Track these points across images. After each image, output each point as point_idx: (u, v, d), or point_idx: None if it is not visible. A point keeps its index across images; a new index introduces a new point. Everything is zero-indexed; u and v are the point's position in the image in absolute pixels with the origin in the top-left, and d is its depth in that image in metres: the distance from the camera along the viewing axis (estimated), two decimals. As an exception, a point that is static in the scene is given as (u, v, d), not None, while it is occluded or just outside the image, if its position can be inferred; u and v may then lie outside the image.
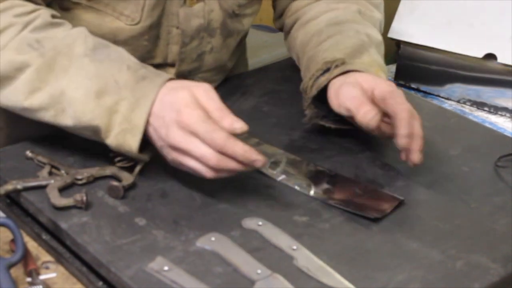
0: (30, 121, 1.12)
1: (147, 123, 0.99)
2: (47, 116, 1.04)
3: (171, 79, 1.02)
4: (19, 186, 1.01)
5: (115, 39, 1.15)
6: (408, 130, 1.04)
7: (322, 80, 1.13)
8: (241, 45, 1.36)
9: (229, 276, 0.89)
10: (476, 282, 0.91)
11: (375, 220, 0.99)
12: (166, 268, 0.89)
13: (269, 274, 0.89)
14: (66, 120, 1.03)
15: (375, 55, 1.19)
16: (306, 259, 0.92)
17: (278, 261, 0.92)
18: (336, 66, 1.13)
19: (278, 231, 0.97)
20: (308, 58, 1.21)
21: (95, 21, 1.14)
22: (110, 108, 1.00)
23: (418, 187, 1.08)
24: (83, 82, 1.01)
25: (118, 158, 1.05)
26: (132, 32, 1.16)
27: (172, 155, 0.99)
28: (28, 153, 1.07)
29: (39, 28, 1.05)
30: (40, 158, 1.07)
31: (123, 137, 1.00)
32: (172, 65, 1.22)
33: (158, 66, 1.17)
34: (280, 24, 1.35)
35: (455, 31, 1.45)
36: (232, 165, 0.96)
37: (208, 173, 0.98)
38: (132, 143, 1.00)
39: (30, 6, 1.07)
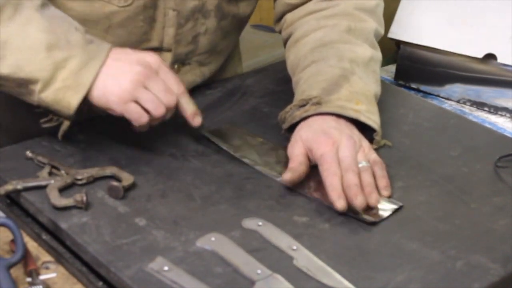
0: (30, 119, 1.12)
1: (95, 80, 1.03)
2: None
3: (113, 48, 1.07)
4: (19, 186, 1.01)
5: (110, 23, 1.16)
6: (336, 194, 1.01)
7: (296, 115, 1.13)
8: (237, 32, 1.35)
9: (229, 276, 0.89)
10: (476, 282, 0.91)
11: (373, 224, 0.99)
12: (166, 268, 0.89)
13: (269, 274, 0.89)
14: (3, 68, 1.03)
15: (357, 84, 1.15)
16: (306, 259, 0.92)
17: (278, 261, 0.92)
18: (314, 103, 1.12)
19: (278, 231, 0.97)
20: (294, 83, 1.21)
21: (84, 8, 1.14)
22: (58, 63, 1.03)
23: (418, 187, 1.08)
24: (34, 34, 1.03)
25: (45, 119, 1.08)
26: (126, 13, 1.17)
27: (133, 83, 1.04)
28: (28, 153, 1.07)
29: None
30: (40, 158, 1.07)
31: (64, 93, 1.03)
32: (168, 49, 1.23)
33: (154, 50, 1.18)
34: (279, 30, 1.35)
35: (455, 31, 1.45)
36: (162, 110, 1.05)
37: (167, 100, 1.05)
38: (72, 100, 1.03)
39: None
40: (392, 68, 1.57)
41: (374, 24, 1.26)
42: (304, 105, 1.13)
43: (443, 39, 1.45)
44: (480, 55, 1.42)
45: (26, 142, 1.12)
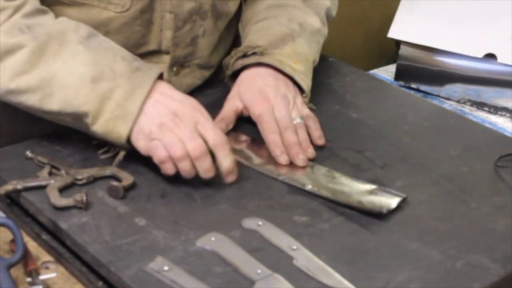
0: (30, 119, 1.12)
1: (141, 110, 1.03)
2: (32, 100, 1.04)
3: (162, 74, 1.08)
4: (19, 186, 1.01)
5: (107, 29, 1.16)
6: (279, 150, 1.12)
7: (238, 64, 1.22)
8: (232, 31, 1.37)
9: (229, 276, 0.89)
10: (476, 282, 0.91)
11: (380, 216, 0.99)
12: (166, 268, 0.89)
13: (269, 274, 0.89)
14: (52, 104, 1.04)
15: (301, 45, 1.25)
16: (306, 259, 0.92)
17: (278, 261, 0.92)
18: (254, 54, 1.21)
19: (278, 231, 0.97)
20: (244, 35, 1.29)
21: (80, 15, 1.14)
22: (104, 94, 1.02)
23: (418, 187, 1.08)
24: (78, 68, 1.03)
25: (102, 150, 1.08)
26: (124, 19, 1.17)
27: (156, 126, 1.02)
28: (28, 153, 1.07)
29: (29, 14, 1.06)
30: (40, 158, 1.07)
31: (113, 123, 1.03)
32: (166, 52, 1.23)
33: (152, 53, 1.20)
34: None
35: (455, 31, 1.45)
36: (203, 165, 1.02)
37: (178, 152, 1.01)
38: (122, 130, 1.03)
39: None
40: (392, 68, 1.56)
41: (328, 3, 1.35)
42: (247, 54, 1.21)
43: (443, 39, 1.45)
44: (480, 55, 1.42)
45: (26, 142, 1.13)
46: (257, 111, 1.16)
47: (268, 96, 1.17)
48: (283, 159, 1.11)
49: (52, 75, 1.03)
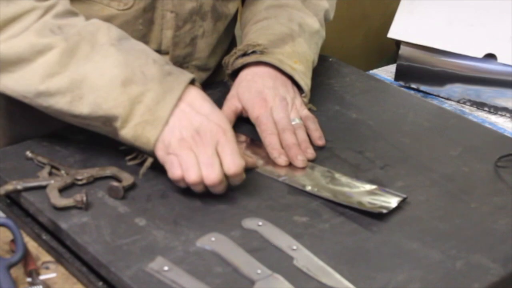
0: (30, 120, 1.12)
1: (172, 114, 1.00)
2: (62, 102, 1.02)
3: (194, 79, 1.04)
4: (19, 186, 1.01)
5: None
6: (277, 151, 1.12)
7: (238, 62, 1.21)
8: (230, 33, 1.38)
9: (229, 276, 0.89)
10: (476, 282, 0.91)
11: (380, 216, 0.99)
12: (166, 268, 0.89)
13: (269, 274, 0.89)
14: (82, 107, 1.01)
15: (300, 46, 1.24)
16: (306, 259, 0.92)
17: (278, 261, 0.92)
18: (254, 52, 1.20)
19: (278, 231, 0.97)
20: (244, 34, 1.29)
21: (83, 11, 1.12)
22: (135, 97, 1.00)
23: (418, 187, 1.08)
24: (109, 70, 1.00)
25: (130, 156, 1.06)
26: (126, 17, 1.17)
27: (177, 141, 0.99)
28: (28, 153, 1.07)
29: (60, 15, 1.04)
30: (40, 158, 1.07)
31: (143, 128, 1.00)
32: (166, 52, 1.23)
33: None
34: None
35: (455, 31, 1.45)
36: (217, 189, 1.00)
37: (191, 178, 0.99)
38: (151, 135, 1.00)
39: None
40: (392, 68, 1.57)
41: (326, 5, 1.35)
42: (247, 53, 1.21)
43: (443, 39, 1.45)
44: (480, 55, 1.42)
45: (26, 142, 1.12)
46: (255, 113, 1.16)
47: (266, 98, 1.18)
48: (281, 160, 1.11)
49: (83, 77, 1.00)
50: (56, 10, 1.04)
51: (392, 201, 1.02)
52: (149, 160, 1.04)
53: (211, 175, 0.98)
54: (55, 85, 1.01)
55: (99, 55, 1.01)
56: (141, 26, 1.19)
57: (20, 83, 1.02)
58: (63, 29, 1.03)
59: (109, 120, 1.01)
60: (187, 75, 1.04)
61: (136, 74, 1.01)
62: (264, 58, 1.20)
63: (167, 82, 1.01)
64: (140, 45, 1.06)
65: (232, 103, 1.19)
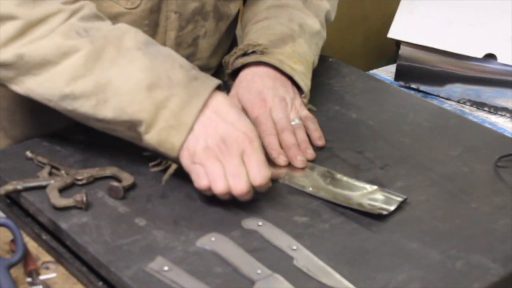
0: (32, 122, 1.12)
1: (197, 119, 0.99)
2: (86, 106, 1.00)
3: (220, 85, 1.03)
4: (19, 187, 1.01)
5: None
6: (276, 152, 1.11)
7: (238, 62, 1.21)
8: (231, 33, 1.38)
9: (229, 276, 0.89)
10: (476, 282, 0.91)
11: (379, 217, 0.99)
12: (166, 268, 0.89)
13: (269, 274, 0.89)
14: (106, 111, 1.00)
15: (301, 46, 1.24)
16: (306, 259, 0.92)
17: (278, 261, 0.92)
18: (253, 52, 1.20)
19: (278, 231, 0.97)
20: (244, 34, 1.29)
21: None
22: (160, 102, 0.98)
23: (418, 187, 1.08)
24: (135, 74, 0.99)
25: (153, 163, 1.05)
26: (132, 16, 1.16)
27: (203, 150, 0.98)
28: (28, 153, 1.07)
29: (87, 18, 1.03)
30: (40, 158, 1.07)
31: (167, 133, 0.99)
32: None
33: None
34: None
35: (455, 31, 1.45)
36: (245, 198, 0.99)
37: (219, 188, 0.98)
38: (175, 141, 0.99)
39: None
40: (392, 68, 1.57)
41: (327, 6, 1.35)
42: (247, 52, 1.20)
43: (443, 39, 1.45)
44: (480, 55, 1.42)
45: (26, 142, 1.13)
46: (255, 113, 1.16)
47: (266, 98, 1.17)
48: (281, 160, 1.11)
49: (108, 80, 0.99)
50: (82, 13, 1.03)
51: (392, 202, 1.02)
52: (173, 167, 1.03)
53: (239, 186, 0.97)
54: (80, 88, 1.00)
55: (125, 59, 1.00)
56: (146, 28, 1.18)
57: (45, 86, 1.01)
58: (89, 32, 1.02)
59: (133, 125, 1.00)
60: (214, 81, 1.02)
61: (161, 78, 0.99)
62: (264, 58, 1.20)
63: (193, 87, 1.00)
64: (167, 50, 1.05)
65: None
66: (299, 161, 1.10)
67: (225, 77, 1.25)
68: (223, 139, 0.98)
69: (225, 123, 0.99)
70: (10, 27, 1.00)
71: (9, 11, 1.00)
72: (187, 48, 1.25)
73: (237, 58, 1.22)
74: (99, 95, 1.00)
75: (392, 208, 1.01)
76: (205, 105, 1.00)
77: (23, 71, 1.01)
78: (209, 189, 0.98)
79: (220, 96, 1.02)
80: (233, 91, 1.20)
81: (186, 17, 1.22)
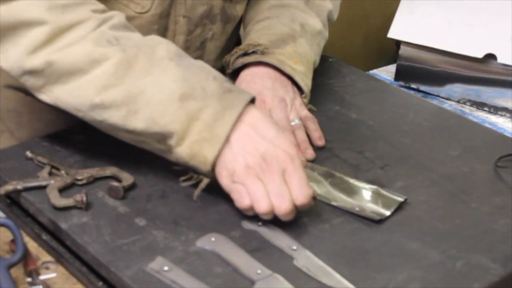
0: (37, 123, 1.12)
1: (232, 132, 0.96)
2: (116, 116, 0.98)
3: (254, 98, 1.00)
4: (19, 187, 1.01)
5: None
6: None
7: (238, 62, 1.21)
8: (236, 35, 1.38)
9: (229, 276, 0.89)
10: (476, 282, 0.91)
11: (379, 222, 0.99)
12: (166, 268, 0.89)
13: (269, 274, 0.89)
14: (137, 122, 0.97)
15: (302, 46, 1.24)
16: (306, 259, 0.92)
17: (278, 261, 0.92)
18: (254, 52, 1.20)
19: (278, 231, 0.97)
20: (246, 33, 1.29)
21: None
22: (193, 113, 0.95)
23: (418, 187, 1.08)
24: (167, 84, 0.96)
25: (184, 177, 1.02)
26: (142, 20, 1.16)
27: (243, 169, 0.95)
28: (28, 153, 1.07)
29: (117, 27, 1.02)
30: (40, 158, 1.07)
31: (200, 146, 0.95)
32: None
33: None
34: None
35: (455, 31, 1.45)
36: (288, 217, 0.96)
37: (262, 208, 0.94)
38: (208, 154, 0.95)
39: (101, 5, 1.04)
40: (392, 68, 1.57)
41: (330, 6, 1.35)
42: (247, 52, 1.20)
43: (443, 39, 1.45)
44: (480, 55, 1.42)
45: (26, 142, 1.13)
46: None
47: (265, 99, 1.17)
48: None
49: (139, 90, 0.96)
50: (113, 22, 1.01)
51: (392, 204, 1.02)
52: (204, 181, 0.99)
53: (282, 206, 0.94)
54: (110, 98, 0.97)
55: (158, 69, 0.97)
56: (155, 32, 1.17)
57: (74, 95, 0.99)
58: (120, 40, 0.99)
59: (164, 137, 0.97)
60: (247, 94, 0.99)
61: (195, 89, 0.97)
62: (264, 59, 1.20)
63: (226, 99, 0.97)
64: (199, 62, 1.02)
65: None
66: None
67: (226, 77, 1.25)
68: (264, 157, 0.95)
69: (264, 140, 0.96)
70: (38, 33, 0.97)
71: (38, 16, 0.97)
72: (194, 52, 1.25)
73: (237, 58, 1.22)
74: (130, 105, 0.97)
75: (392, 209, 1.01)
76: (240, 119, 0.97)
77: (52, 79, 0.99)
78: (252, 209, 0.95)
79: (256, 111, 0.99)
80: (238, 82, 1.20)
81: (195, 21, 1.22)
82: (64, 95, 1.00)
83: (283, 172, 0.95)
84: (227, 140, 0.96)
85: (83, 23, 0.99)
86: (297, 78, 1.20)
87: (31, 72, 0.99)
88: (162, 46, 1.00)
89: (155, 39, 1.02)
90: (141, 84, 0.97)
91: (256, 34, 1.24)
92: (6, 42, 1.00)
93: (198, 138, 0.95)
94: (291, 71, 1.20)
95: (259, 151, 0.96)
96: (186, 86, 0.97)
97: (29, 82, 1.01)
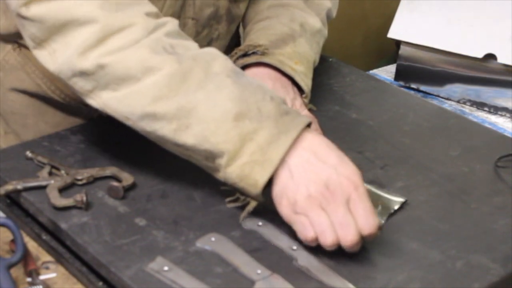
0: (43, 125, 1.12)
1: (288, 157, 0.92)
2: (166, 129, 0.94)
3: (311, 123, 0.97)
4: (19, 186, 1.01)
5: None
6: None
7: (239, 63, 1.19)
8: (237, 34, 1.38)
9: (229, 276, 0.89)
10: (476, 282, 0.91)
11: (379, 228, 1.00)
12: (166, 268, 0.89)
13: (269, 274, 0.89)
14: (188, 137, 0.94)
15: (301, 46, 1.23)
16: (306, 259, 0.92)
17: (278, 261, 0.92)
18: (254, 53, 1.19)
19: (278, 231, 0.97)
20: (245, 33, 1.28)
21: None
22: (246, 134, 0.92)
23: (418, 187, 1.08)
24: (223, 102, 0.93)
25: (231, 198, 0.98)
26: None
27: (305, 199, 0.91)
28: (28, 153, 1.07)
29: (172, 35, 0.98)
30: (40, 158, 1.07)
31: (251, 168, 0.92)
32: None
33: None
34: None
35: (455, 31, 1.45)
36: (354, 249, 0.92)
37: (328, 241, 0.91)
38: (259, 177, 0.92)
39: (155, 8, 1.00)
40: (392, 68, 1.57)
41: (329, 4, 1.34)
42: (248, 53, 1.19)
43: (443, 39, 1.45)
44: (480, 55, 1.42)
45: (26, 142, 1.13)
46: None
47: None
48: None
49: (193, 105, 0.93)
50: (168, 29, 0.98)
51: (392, 205, 1.02)
52: (252, 204, 0.96)
53: (348, 237, 0.90)
54: (162, 110, 0.94)
55: (213, 85, 0.94)
56: None
57: (124, 103, 0.95)
58: (176, 49, 0.96)
59: (213, 155, 0.94)
60: (305, 118, 0.95)
61: (251, 110, 0.93)
62: (264, 59, 1.19)
63: (283, 122, 0.93)
64: (257, 81, 0.99)
65: None
66: None
67: None
68: (327, 185, 0.91)
69: (327, 167, 0.92)
70: (89, 32, 0.94)
71: (90, 13, 0.94)
72: None
73: (237, 58, 1.21)
74: (182, 120, 0.93)
75: (391, 211, 1.01)
76: (298, 144, 0.93)
77: (102, 84, 0.95)
78: (316, 240, 0.92)
79: (315, 136, 0.95)
80: None
81: (202, 23, 1.22)
82: (113, 102, 0.96)
83: (347, 201, 0.91)
84: (287, 166, 0.92)
85: (136, 25, 0.95)
86: (298, 79, 1.20)
87: (82, 74, 0.95)
88: (219, 61, 0.97)
89: (212, 52, 0.99)
90: (195, 99, 0.93)
91: (256, 34, 1.24)
92: (54, 42, 0.96)
93: (250, 160, 0.92)
94: (291, 71, 1.19)
95: (323, 179, 0.91)
96: (242, 105, 0.93)
97: (78, 85, 0.97)
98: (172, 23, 1.00)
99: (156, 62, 0.94)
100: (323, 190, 0.91)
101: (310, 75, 1.24)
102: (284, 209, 0.93)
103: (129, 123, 0.97)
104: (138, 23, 0.96)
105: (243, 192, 0.96)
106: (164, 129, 0.95)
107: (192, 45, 1.00)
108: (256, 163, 0.92)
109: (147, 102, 0.94)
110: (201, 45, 1.22)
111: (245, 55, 1.21)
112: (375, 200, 1.03)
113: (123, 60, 0.94)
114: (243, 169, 0.92)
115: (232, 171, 0.93)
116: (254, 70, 1.20)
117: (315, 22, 1.29)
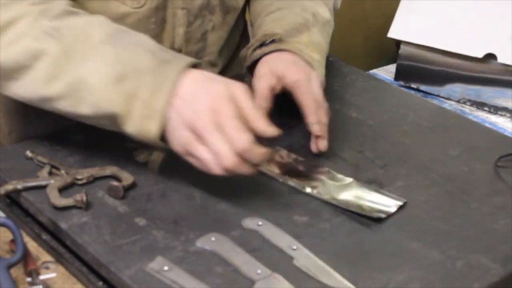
0: (44, 121, 1.12)
1: (169, 105, 0.96)
2: (65, 106, 1.01)
3: (195, 64, 1.00)
4: (19, 186, 1.01)
5: (124, 25, 1.14)
6: (316, 118, 1.12)
7: (257, 53, 1.19)
8: (240, 27, 1.38)
9: (229, 276, 0.89)
10: (476, 282, 0.91)
11: (378, 220, 0.99)
12: (166, 268, 0.89)
13: (269, 274, 0.89)
14: (85, 109, 1.00)
15: (315, 35, 1.24)
16: (306, 259, 0.93)
17: (278, 261, 0.92)
18: (272, 41, 1.19)
19: (278, 231, 0.97)
20: (256, 27, 1.28)
21: (100, 8, 1.13)
22: (129, 93, 0.97)
23: (418, 187, 1.08)
24: (102, 69, 0.99)
25: (138, 151, 1.04)
26: (138, 15, 1.17)
27: (186, 140, 0.96)
28: (28, 153, 1.07)
29: (57, 16, 1.02)
30: (40, 158, 1.07)
31: (143, 123, 0.97)
32: (179, 50, 1.23)
33: None
34: None
35: (455, 31, 1.45)
36: (244, 169, 0.96)
37: (216, 170, 0.96)
38: (151, 128, 0.97)
39: None
40: (392, 68, 1.57)
41: None
42: (265, 43, 1.19)
43: (443, 39, 1.45)
44: (480, 55, 1.42)
45: (26, 142, 1.13)
46: (294, 77, 1.14)
47: (304, 67, 1.16)
48: (316, 128, 1.11)
49: (79, 79, 0.99)
50: (52, 12, 1.02)
51: (392, 205, 1.02)
52: (156, 154, 1.02)
53: (225, 161, 0.95)
54: (55, 90, 1.00)
55: (94, 55, 0.99)
56: (153, 25, 1.19)
57: (26, 90, 1.03)
58: (61, 30, 1.01)
59: (112, 118, 0.99)
60: (185, 60, 1.00)
61: (128, 69, 0.98)
62: (284, 46, 1.18)
63: (160, 71, 0.98)
64: (138, 36, 1.03)
65: (266, 79, 1.15)
66: (323, 145, 1.12)
67: (241, 71, 1.25)
68: (193, 127, 0.96)
69: (203, 98, 0.96)
70: None
71: None
72: (196, 43, 1.25)
73: (254, 50, 1.20)
74: (74, 95, 1.00)
75: (391, 211, 1.01)
76: (181, 85, 0.97)
77: (4, 77, 1.02)
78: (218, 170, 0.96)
79: (198, 73, 0.99)
80: (263, 69, 1.16)
81: (194, 13, 1.22)
82: (18, 89, 1.03)
83: (220, 125, 0.94)
84: (174, 110, 0.96)
85: (20, 19, 1.01)
86: (316, 66, 1.19)
87: None
88: (98, 30, 1.02)
89: (92, 22, 1.03)
90: (80, 73, 0.99)
91: (270, 25, 1.24)
92: None
93: (140, 115, 0.97)
94: (309, 59, 1.19)
95: (198, 112, 0.95)
96: (119, 67, 0.98)
97: None
98: (57, 5, 1.04)
99: (39, 48, 1.00)
100: (189, 134, 0.95)
101: (324, 64, 1.24)
102: (175, 147, 0.98)
103: (35, 105, 1.04)
104: (23, 15, 1.01)
105: (149, 146, 1.01)
106: (64, 107, 1.02)
107: (78, 20, 1.03)
108: (145, 117, 0.97)
109: (41, 85, 1.01)
110: (195, 37, 1.24)
111: (262, 45, 1.20)
112: (374, 199, 1.04)
113: (12, 54, 1.00)
114: (137, 126, 0.98)
115: (127, 128, 0.99)
116: (277, 54, 1.18)
117: (325, 12, 1.30)
